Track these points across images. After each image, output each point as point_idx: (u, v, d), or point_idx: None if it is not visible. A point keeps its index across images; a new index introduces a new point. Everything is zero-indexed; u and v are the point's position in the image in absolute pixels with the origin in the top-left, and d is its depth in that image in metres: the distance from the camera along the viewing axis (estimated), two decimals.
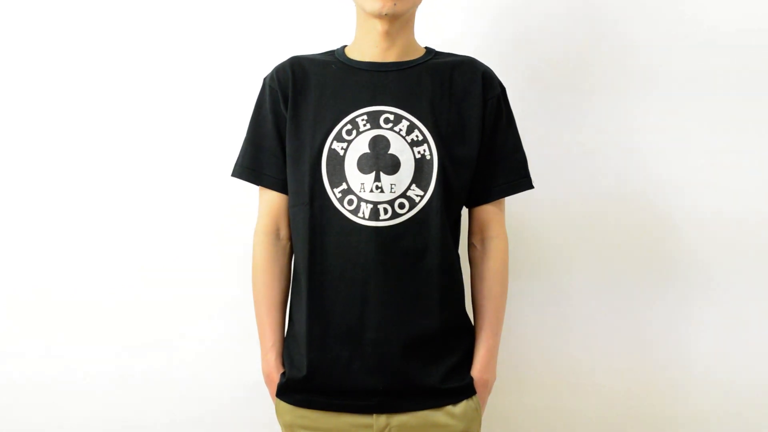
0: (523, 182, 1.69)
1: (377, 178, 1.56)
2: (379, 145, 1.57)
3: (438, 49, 1.73)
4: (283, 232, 1.68)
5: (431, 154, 1.57)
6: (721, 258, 2.02)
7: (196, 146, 2.02)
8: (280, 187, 1.66)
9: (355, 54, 1.66)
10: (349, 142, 1.58)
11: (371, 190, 1.56)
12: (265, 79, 1.69)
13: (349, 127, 1.58)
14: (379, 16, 1.57)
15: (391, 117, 1.58)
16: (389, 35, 1.61)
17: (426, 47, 1.70)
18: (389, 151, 1.57)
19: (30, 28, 1.99)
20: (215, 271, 2.01)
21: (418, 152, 1.57)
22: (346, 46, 1.71)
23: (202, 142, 2.02)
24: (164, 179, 2.02)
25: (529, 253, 2.03)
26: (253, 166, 1.68)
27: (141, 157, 2.02)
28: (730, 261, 2.01)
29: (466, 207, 1.71)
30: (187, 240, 2.02)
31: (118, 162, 2.01)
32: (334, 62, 1.66)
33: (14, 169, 1.99)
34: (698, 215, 2.02)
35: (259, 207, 1.71)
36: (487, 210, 1.68)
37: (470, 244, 1.72)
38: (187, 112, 2.03)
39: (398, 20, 1.60)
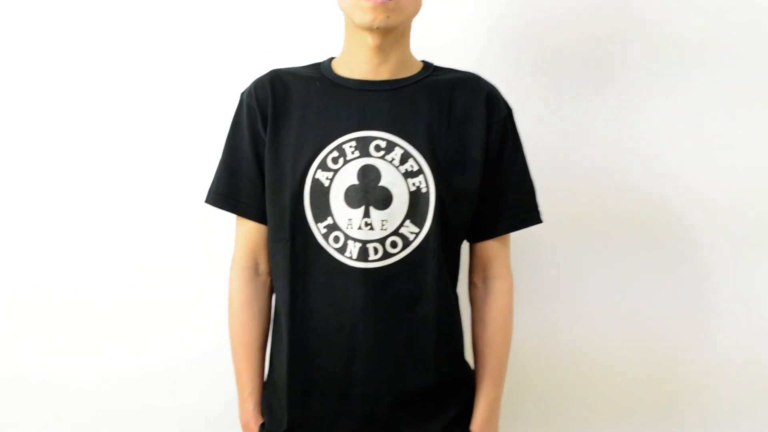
0: (531, 216, 1.51)
1: (366, 214, 1.39)
2: (368, 175, 1.39)
3: (441, 52, 1.57)
4: (263, 267, 1.51)
5: (427, 187, 1.39)
6: (738, 248, 1.94)
7: (198, 146, 1.90)
8: (260, 216, 1.48)
9: (342, 69, 1.47)
10: (335, 171, 1.40)
11: (360, 227, 1.38)
12: (242, 94, 1.50)
13: (335, 154, 1.40)
14: (370, 29, 1.38)
15: (383, 144, 1.40)
16: (381, 50, 1.42)
17: (423, 62, 1.52)
18: (380, 183, 1.39)
19: (24, 31, 1.90)
20: (216, 271, 1.85)
21: (413, 184, 1.39)
22: (333, 58, 1.52)
23: (203, 142, 1.89)
24: (165, 178, 1.92)
25: (540, 247, 1.93)
26: (229, 192, 1.50)
27: (142, 157, 1.92)
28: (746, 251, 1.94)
29: (468, 242, 1.53)
30: (187, 240, 1.93)
31: (117, 162, 1.92)
32: (319, 78, 1.47)
33: (13, 169, 1.92)
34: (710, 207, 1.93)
35: (235, 238, 1.54)
36: (490, 246, 1.51)
37: (471, 283, 1.54)
38: (188, 112, 1.91)
39: (392, 33, 1.41)
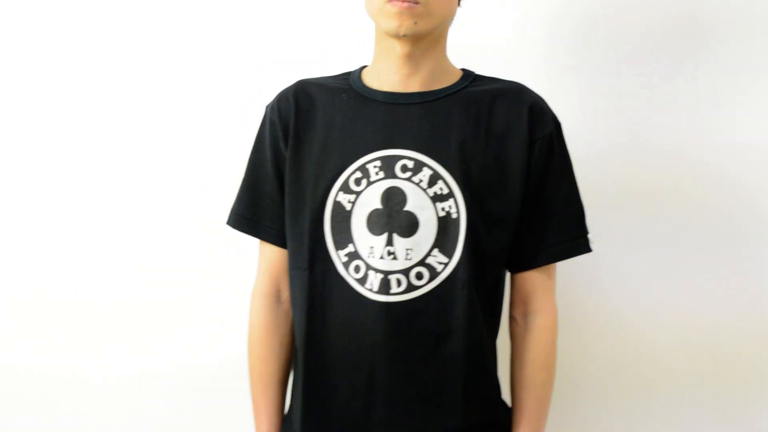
0: (578, 244, 1.34)
1: (389, 241, 1.25)
2: (393, 199, 1.26)
3: (494, 58, 1.41)
4: (285, 294, 1.40)
5: (458, 212, 1.25)
6: None
7: (199, 147, 1.82)
8: (282, 240, 1.37)
9: (372, 80, 1.34)
10: (358, 194, 1.27)
11: (381, 256, 1.25)
12: (267, 107, 1.39)
13: (358, 175, 1.27)
14: (397, 37, 1.24)
15: (410, 164, 1.26)
16: (411, 59, 1.28)
17: (463, 70, 1.36)
18: (405, 208, 1.25)
19: (20, 32, 1.83)
20: (217, 271, 1.84)
21: (442, 209, 1.25)
22: (365, 67, 1.39)
23: (206, 143, 1.81)
24: (166, 178, 1.83)
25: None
26: (250, 214, 1.40)
27: (143, 157, 1.84)
28: None
29: (508, 271, 1.38)
30: (188, 240, 1.84)
31: (117, 161, 1.84)
32: (346, 90, 1.34)
33: (13, 170, 1.87)
34: None
35: (258, 262, 1.43)
36: (531, 278, 1.35)
37: (511, 317, 1.39)
38: (188, 113, 1.81)
39: (423, 41, 1.27)
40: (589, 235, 1.34)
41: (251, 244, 1.44)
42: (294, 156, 1.32)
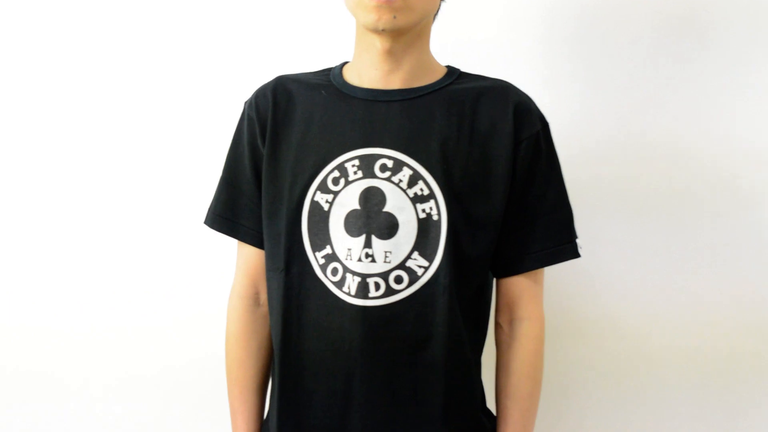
0: (565, 249, 1.28)
1: (368, 243, 1.21)
2: (372, 199, 1.21)
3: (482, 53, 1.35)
4: (264, 296, 1.35)
5: (439, 214, 1.20)
6: None
7: (178, 144, 1.77)
8: (261, 241, 1.33)
9: (352, 76, 1.29)
10: (336, 193, 1.22)
11: (359, 259, 1.20)
12: (245, 104, 1.35)
13: (336, 174, 1.23)
14: (376, 31, 1.20)
15: (390, 163, 1.21)
16: (392, 55, 1.24)
17: (448, 67, 1.32)
18: (384, 208, 1.21)
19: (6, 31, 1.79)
20: (195, 271, 1.79)
21: (423, 210, 1.20)
22: (346, 63, 1.34)
23: (185, 140, 1.77)
24: (168, 177, 1.79)
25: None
26: (227, 213, 1.35)
27: (125, 154, 1.79)
28: None
29: (494, 276, 1.33)
30: (166, 239, 1.79)
31: (98, 157, 1.79)
32: (326, 86, 1.30)
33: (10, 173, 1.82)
34: None
35: (236, 263, 1.39)
36: (517, 283, 1.29)
37: (496, 324, 1.34)
38: (168, 110, 1.77)
39: (404, 36, 1.22)
40: (578, 240, 1.29)
41: (231, 243, 1.40)
42: (271, 154, 1.28)
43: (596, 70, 1.66)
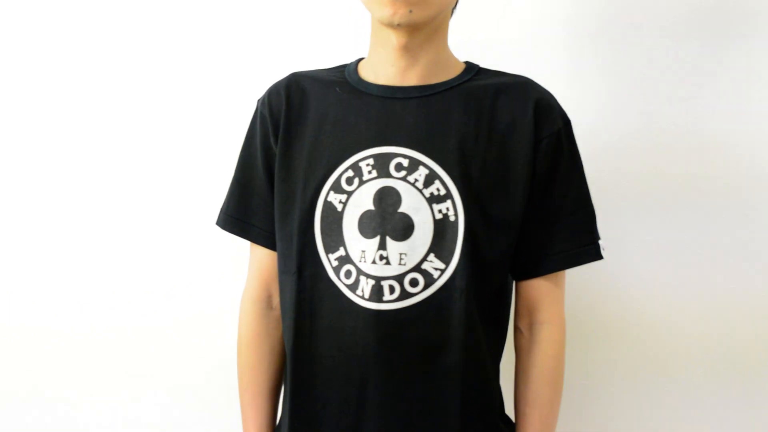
0: (588, 251, 1.24)
1: (382, 245, 1.17)
2: (386, 200, 1.17)
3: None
4: (277, 300, 1.32)
5: (456, 215, 1.16)
6: None
7: (190, 143, 1.74)
8: (273, 243, 1.29)
9: (368, 73, 1.26)
10: (349, 194, 1.19)
11: (374, 261, 1.17)
12: (258, 101, 1.32)
13: (350, 174, 1.19)
14: (391, 26, 1.16)
15: (405, 162, 1.18)
16: (408, 51, 1.20)
17: (467, 63, 1.28)
18: (399, 209, 1.17)
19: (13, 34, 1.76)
20: (208, 272, 1.76)
21: (439, 211, 1.16)
22: (362, 59, 1.30)
23: (198, 138, 1.73)
24: (168, 177, 1.76)
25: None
26: (239, 214, 1.32)
27: (130, 153, 1.76)
28: None
29: (513, 279, 1.28)
30: (178, 240, 1.76)
31: (102, 157, 1.77)
32: (340, 83, 1.26)
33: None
34: None
35: (249, 265, 1.36)
36: (537, 286, 1.25)
37: (515, 328, 1.30)
38: (178, 108, 1.74)
39: (421, 31, 1.18)
40: (601, 241, 1.24)
41: (244, 244, 1.37)
42: (284, 153, 1.25)
43: (621, 64, 1.61)
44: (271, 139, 1.26)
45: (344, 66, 1.30)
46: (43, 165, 1.75)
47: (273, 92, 1.29)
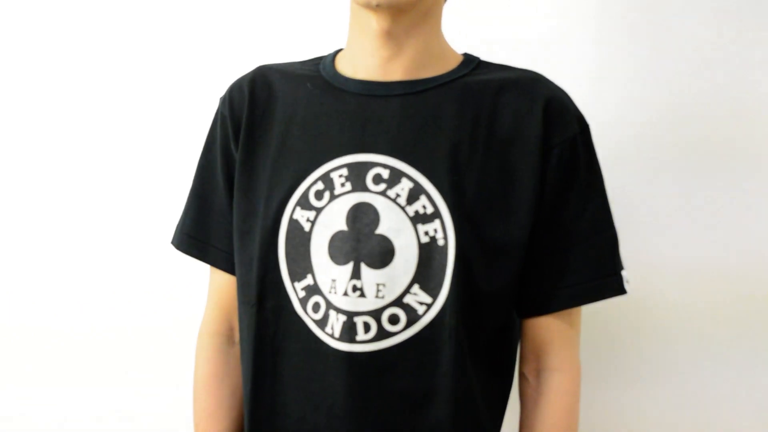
0: (608, 283, 1.01)
1: (356, 273, 0.96)
2: (362, 218, 0.97)
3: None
4: (239, 334, 1.11)
5: (446, 238, 0.95)
6: None
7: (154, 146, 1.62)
8: (234, 266, 1.09)
9: (345, 66, 1.05)
10: (318, 210, 0.98)
11: (345, 292, 0.96)
12: (220, 99, 1.12)
13: (319, 186, 0.99)
14: (369, 7, 0.95)
15: (385, 173, 0.97)
16: (391, 38, 0.99)
17: (465, 55, 1.07)
18: (377, 230, 0.96)
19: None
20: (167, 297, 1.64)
21: (425, 233, 0.95)
22: (340, 50, 1.10)
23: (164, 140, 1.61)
24: (168, 177, 1.63)
25: None
26: (196, 232, 1.12)
27: (143, 157, 1.64)
28: None
29: (518, 316, 1.07)
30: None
31: (116, 161, 1.65)
32: (312, 78, 1.06)
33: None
34: None
35: (207, 293, 1.16)
36: (546, 325, 1.03)
37: (521, 374, 1.08)
38: (189, 111, 1.60)
39: (406, 14, 0.97)
40: (625, 272, 1.02)
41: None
42: (245, 160, 1.05)
43: (655, 62, 1.41)
44: (232, 144, 1.07)
45: (320, 58, 1.10)
46: (44, 165, 1.64)
47: (235, 88, 1.09)
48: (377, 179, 0.97)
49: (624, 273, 1.01)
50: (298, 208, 0.99)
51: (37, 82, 1.62)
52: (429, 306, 0.95)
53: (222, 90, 1.12)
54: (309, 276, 0.98)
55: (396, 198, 0.96)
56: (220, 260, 1.10)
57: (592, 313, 1.23)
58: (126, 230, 1.62)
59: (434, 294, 0.95)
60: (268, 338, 1.01)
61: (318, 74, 1.06)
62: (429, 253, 0.95)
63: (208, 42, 1.54)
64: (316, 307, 0.97)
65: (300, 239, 0.98)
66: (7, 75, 1.63)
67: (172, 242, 1.15)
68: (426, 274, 0.95)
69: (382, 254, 0.95)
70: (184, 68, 1.57)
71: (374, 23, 0.98)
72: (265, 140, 1.04)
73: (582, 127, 1.00)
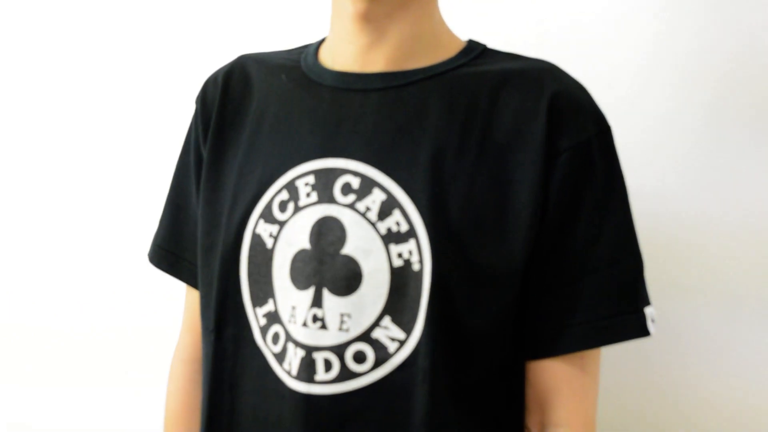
0: (626, 322, 0.81)
1: (317, 301, 0.81)
2: (327, 236, 0.81)
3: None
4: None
5: (421, 261, 0.78)
6: None
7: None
8: None
9: (325, 55, 0.90)
10: (282, 224, 0.84)
11: (305, 323, 0.81)
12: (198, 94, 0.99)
13: (284, 196, 0.84)
14: None
15: (355, 183, 0.81)
16: (370, 22, 0.83)
17: (470, 41, 0.89)
18: (343, 250, 0.81)
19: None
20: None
21: (399, 255, 0.79)
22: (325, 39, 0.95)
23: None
24: (168, 177, 1.54)
25: None
26: (169, 244, 1.00)
27: (143, 157, 1.59)
28: None
29: (520, 358, 0.88)
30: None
31: (116, 161, 1.60)
32: (290, 69, 0.91)
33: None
34: None
35: (183, 315, 1.04)
36: (551, 371, 0.83)
37: (525, 429, 0.89)
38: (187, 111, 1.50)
39: None
40: (649, 309, 0.82)
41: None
42: (212, 164, 0.91)
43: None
44: (201, 145, 0.94)
45: (306, 47, 0.96)
46: (44, 165, 1.61)
47: (210, 81, 0.96)
48: (346, 189, 0.81)
49: (648, 310, 0.82)
50: (261, 221, 0.84)
51: (37, 82, 1.58)
52: (402, 343, 0.79)
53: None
54: (270, 301, 0.84)
55: (366, 212, 0.80)
56: (194, 277, 0.96)
57: None
58: (126, 230, 1.56)
59: (408, 329, 0.79)
60: (227, 372, 0.87)
61: (298, 65, 0.91)
62: (403, 279, 0.79)
63: (207, 40, 1.46)
64: (275, 338, 0.83)
65: (262, 258, 0.84)
66: (6, 75, 1.60)
67: (148, 254, 1.03)
68: (399, 305, 0.79)
69: (348, 279, 0.80)
70: (184, 67, 1.49)
71: (350, 5, 0.82)
72: (236, 141, 0.90)
73: (599, 129, 0.81)
